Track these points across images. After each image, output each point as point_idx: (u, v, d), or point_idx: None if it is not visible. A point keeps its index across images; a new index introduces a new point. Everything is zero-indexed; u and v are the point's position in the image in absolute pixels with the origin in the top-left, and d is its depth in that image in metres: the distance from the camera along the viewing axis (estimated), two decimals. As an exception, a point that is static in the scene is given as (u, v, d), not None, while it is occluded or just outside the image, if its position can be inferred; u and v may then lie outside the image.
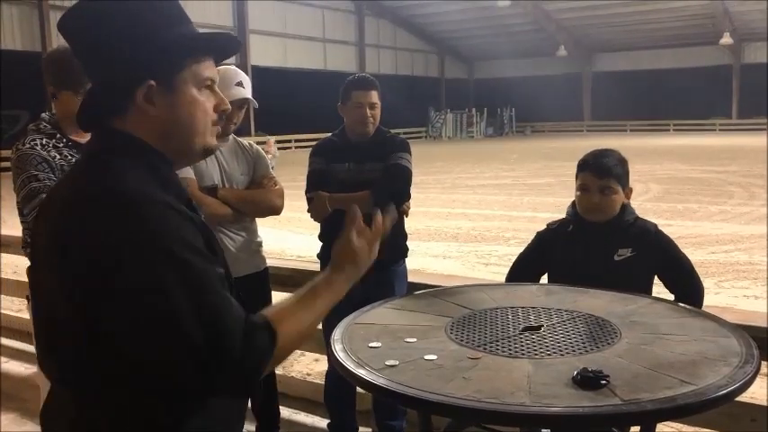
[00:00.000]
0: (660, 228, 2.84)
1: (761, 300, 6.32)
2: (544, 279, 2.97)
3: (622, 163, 2.77)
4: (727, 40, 33.25)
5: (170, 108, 1.34)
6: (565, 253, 2.80)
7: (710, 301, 5.97)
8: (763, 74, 33.84)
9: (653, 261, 2.72)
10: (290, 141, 28.09)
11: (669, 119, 37.13)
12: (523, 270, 2.96)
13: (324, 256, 3.49)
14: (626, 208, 2.77)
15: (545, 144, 29.55)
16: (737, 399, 2.08)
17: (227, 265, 1.44)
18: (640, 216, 2.83)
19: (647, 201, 12.39)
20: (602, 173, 2.71)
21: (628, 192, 2.79)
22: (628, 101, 37.70)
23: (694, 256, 7.90)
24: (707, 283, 6.65)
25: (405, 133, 30.18)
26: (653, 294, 2.72)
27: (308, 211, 3.37)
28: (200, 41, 1.39)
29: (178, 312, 1.20)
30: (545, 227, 2.96)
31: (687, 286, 2.70)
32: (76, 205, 1.27)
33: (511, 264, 3.06)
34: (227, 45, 1.45)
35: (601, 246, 2.72)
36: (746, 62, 35.85)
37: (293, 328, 1.36)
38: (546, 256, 2.89)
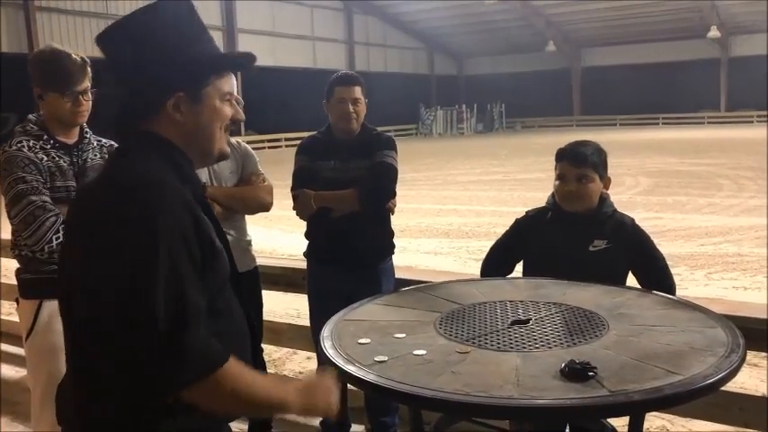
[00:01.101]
0: (642, 221, 2.85)
1: (750, 291, 6.36)
2: (519, 267, 2.98)
3: (599, 152, 2.79)
4: (714, 33, 33.38)
5: (195, 116, 1.51)
6: (541, 241, 2.83)
7: (700, 292, 6.06)
8: (750, 66, 34.00)
9: (627, 254, 2.74)
10: (279, 140, 28.08)
11: (658, 112, 37.21)
12: (500, 256, 2.97)
13: (310, 253, 3.49)
14: (605, 200, 2.80)
15: (535, 139, 29.60)
16: (726, 389, 2.11)
17: (232, 259, 1.58)
18: (626, 210, 2.85)
19: (637, 194, 12.43)
20: (578, 161, 2.74)
21: (606, 182, 2.81)
22: (617, 95, 37.80)
23: (684, 248, 7.96)
24: (697, 275, 6.76)
25: (395, 130, 30.24)
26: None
27: (294, 209, 3.38)
28: (224, 60, 1.58)
29: (151, 295, 1.31)
30: (524, 214, 2.98)
31: (659, 283, 2.68)
32: (98, 196, 1.45)
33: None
34: (245, 62, 1.62)
35: (576, 235, 2.74)
36: (734, 55, 35.98)
37: (241, 380, 1.42)
38: (523, 243, 2.91)
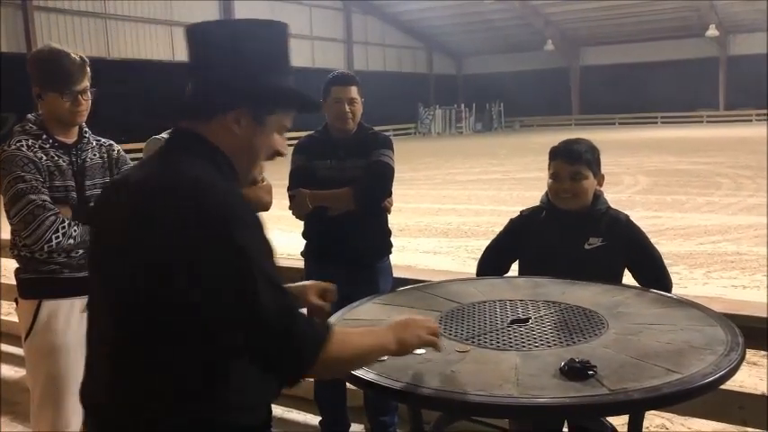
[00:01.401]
0: (641, 220, 2.86)
1: (749, 289, 6.37)
2: (514, 267, 2.98)
3: (593, 150, 2.80)
4: (712, 32, 33.39)
5: (251, 134, 1.54)
6: (536, 240, 2.83)
7: (699, 291, 6.06)
8: (749, 65, 34.01)
9: (623, 251, 2.74)
10: (279, 140, 28.09)
11: (657, 111, 37.22)
12: (495, 256, 2.97)
13: (307, 253, 3.49)
14: (599, 198, 2.80)
15: (534, 139, 29.57)
16: (725, 387, 2.11)
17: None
18: (626, 209, 2.85)
19: (636, 193, 12.44)
20: (572, 159, 2.75)
21: (600, 179, 2.82)
22: (616, 94, 37.78)
23: (683, 247, 7.96)
24: (696, 273, 6.76)
25: (394, 129, 30.22)
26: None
27: (290, 209, 3.38)
28: (299, 99, 1.62)
29: (256, 277, 1.38)
30: (518, 213, 2.98)
31: (657, 281, 2.68)
32: (154, 190, 1.44)
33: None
34: (312, 107, 1.69)
35: (572, 234, 2.74)
36: (732, 54, 35.98)
37: (344, 341, 1.54)
38: (518, 243, 2.91)
